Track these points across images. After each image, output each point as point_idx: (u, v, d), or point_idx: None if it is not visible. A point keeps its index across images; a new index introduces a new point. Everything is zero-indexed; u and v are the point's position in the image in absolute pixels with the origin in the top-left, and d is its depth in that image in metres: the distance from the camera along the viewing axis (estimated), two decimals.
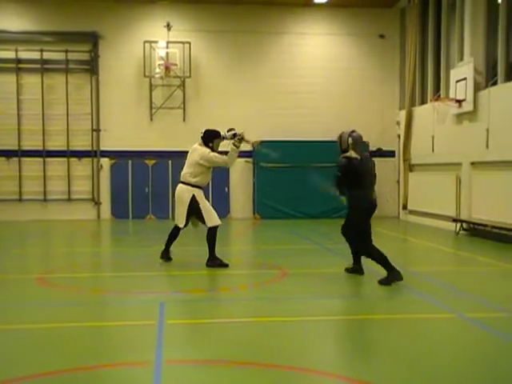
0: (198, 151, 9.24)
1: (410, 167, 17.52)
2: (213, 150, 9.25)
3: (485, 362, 4.98)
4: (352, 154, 7.97)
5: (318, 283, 8.19)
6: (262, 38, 18.46)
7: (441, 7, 16.07)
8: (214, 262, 9.11)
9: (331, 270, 9.16)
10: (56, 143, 17.99)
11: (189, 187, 9.12)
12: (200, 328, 6.01)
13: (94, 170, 18.22)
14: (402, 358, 5.00)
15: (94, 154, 18.18)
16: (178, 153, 17.93)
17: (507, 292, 7.85)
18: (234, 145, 9.19)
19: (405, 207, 17.78)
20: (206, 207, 9.13)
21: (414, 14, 17.11)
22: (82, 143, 18.10)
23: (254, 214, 18.12)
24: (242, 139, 9.16)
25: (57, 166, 18.04)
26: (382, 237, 14.51)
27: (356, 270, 8.61)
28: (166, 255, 9.56)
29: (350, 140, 7.98)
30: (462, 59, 14.54)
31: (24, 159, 17.88)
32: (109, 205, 18.17)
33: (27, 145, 17.88)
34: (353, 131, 8.14)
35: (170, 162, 17.87)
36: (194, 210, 9.11)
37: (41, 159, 17.92)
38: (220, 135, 9.31)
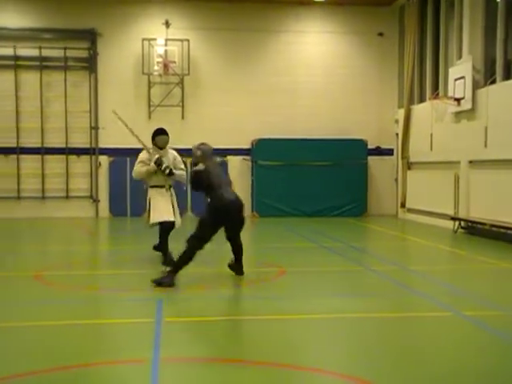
0: None
1: (409, 165, 17.52)
2: (158, 147, 9.39)
3: (483, 360, 4.98)
4: (199, 166, 8.17)
5: (316, 281, 8.19)
6: (260, 36, 18.44)
7: (439, 5, 16.07)
8: (159, 247, 9.22)
9: (329, 268, 9.16)
10: (54, 140, 17.96)
11: (148, 188, 9.40)
12: (198, 326, 6.01)
13: (93, 167, 18.21)
14: (400, 357, 5.00)
15: (92, 151, 18.16)
16: (176, 150, 17.92)
17: (505, 290, 7.86)
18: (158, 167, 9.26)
19: (403, 205, 17.79)
20: (152, 206, 9.21)
21: (413, 11, 17.11)
22: (80, 141, 18.07)
23: (251, 212, 18.12)
24: (160, 167, 9.19)
25: (55, 163, 18.02)
26: (380, 235, 14.54)
27: (234, 268, 8.40)
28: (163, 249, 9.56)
29: (199, 153, 8.23)
30: (460, 57, 14.54)
31: (22, 156, 17.85)
32: (107, 202, 18.15)
33: (25, 142, 17.85)
34: (201, 144, 8.36)
35: None
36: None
37: (39, 156, 17.90)
38: (163, 132, 9.46)
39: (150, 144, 9.48)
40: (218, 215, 7.91)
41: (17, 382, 4.36)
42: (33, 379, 4.42)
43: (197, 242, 7.75)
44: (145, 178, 9.34)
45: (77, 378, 4.50)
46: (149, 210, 9.21)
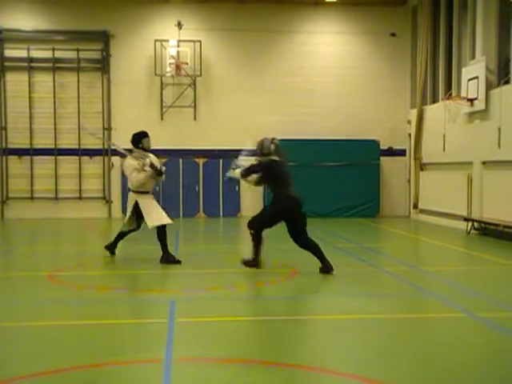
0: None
1: (421, 166, 17.45)
2: (144, 149, 9.59)
3: (495, 361, 4.95)
4: (274, 157, 8.63)
5: (328, 282, 8.18)
6: (272, 37, 18.45)
7: (452, 5, 16.00)
8: (166, 258, 9.51)
9: (342, 269, 9.13)
10: (68, 141, 18.07)
11: (132, 194, 9.60)
12: (211, 326, 6.01)
13: (105, 168, 18.30)
14: (413, 358, 4.97)
15: (105, 152, 18.25)
16: (189, 151, 18.06)
17: None
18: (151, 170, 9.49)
19: (415, 206, 17.72)
20: (147, 210, 9.48)
21: (426, 12, 17.04)
22: (93, 142, 18.11)
23: None
24: (153, 168, 9.48)
25: (68, 164, 18.13)
26: (393, 236, 14.50)
27: (329, 267, 8.58)
28: (111, 249, 10.22)
29: (273, 147, 8.63)
30: (473, 58, 14.47)
31: (36, 158, 17.97)
32: (120, 203, 18.19)
33: (39, 143, 17.97)
34: (273, 139, 8.75)
35: (180, 160, 17.92)
36: (140, 214, 9.60)
37: (52, 157, 18.01)
38: (146, 134, 9.65)
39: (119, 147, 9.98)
40: (281, 214, 8.59)
41: (29, 382, 4.38)
42: (45, 379, 4.45)
43: (259, 227, 8.65)
44: (143, 184, 9.48)
45: (89, 379, 4.51)
46: (133, 215, 9.59)
